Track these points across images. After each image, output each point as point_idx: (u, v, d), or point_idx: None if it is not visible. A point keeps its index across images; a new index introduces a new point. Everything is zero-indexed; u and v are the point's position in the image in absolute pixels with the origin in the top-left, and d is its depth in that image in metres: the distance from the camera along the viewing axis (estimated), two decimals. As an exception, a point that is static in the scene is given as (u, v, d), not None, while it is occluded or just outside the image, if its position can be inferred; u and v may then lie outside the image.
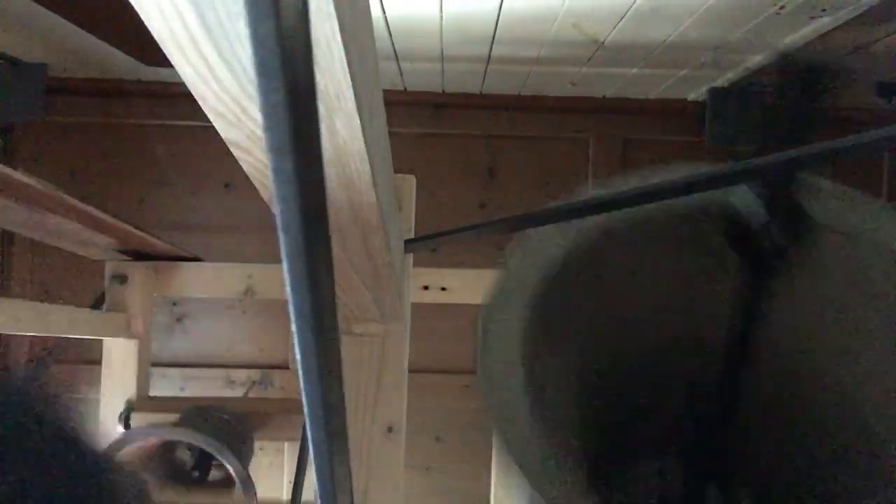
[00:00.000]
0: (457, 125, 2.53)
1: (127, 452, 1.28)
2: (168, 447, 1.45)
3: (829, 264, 0.69)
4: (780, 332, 0.73)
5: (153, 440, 1.36)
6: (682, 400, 0.78)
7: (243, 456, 1.35)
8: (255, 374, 2.51)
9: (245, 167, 0.37)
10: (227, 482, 1.38)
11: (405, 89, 2.47)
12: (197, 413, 1.41)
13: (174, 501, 1.34)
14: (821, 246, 0.68)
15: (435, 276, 1.58)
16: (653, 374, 0.77)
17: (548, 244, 0.69)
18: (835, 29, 1.74)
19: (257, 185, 0.39)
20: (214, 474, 1.45)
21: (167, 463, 1.45)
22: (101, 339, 1.47)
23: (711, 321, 0.74)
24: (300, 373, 0.23)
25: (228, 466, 1.27)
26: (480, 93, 2.50)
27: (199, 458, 1.45)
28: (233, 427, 1.41)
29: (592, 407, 0.59)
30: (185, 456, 1.48)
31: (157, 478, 1.37)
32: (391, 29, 1.86)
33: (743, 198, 0.65)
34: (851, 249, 0.68)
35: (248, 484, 1.28)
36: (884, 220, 0.68)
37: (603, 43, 1.93)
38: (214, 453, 1.28)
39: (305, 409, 0.24)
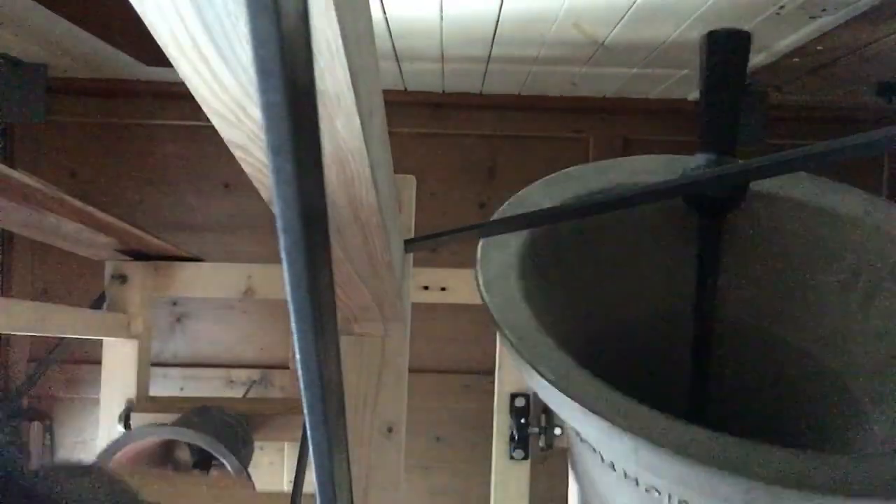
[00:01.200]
0: (457, 125, 2.53)
1: (126, 452, 1.28)
2: (168, 447, 1.45)
3: (785, 233, 0.76)
4: (744, 298, 0.78)
5: (153, 440, 1.36)
6: (664, 363, 0.80)
7: (243, 456, 1.35)
8: (255, 374, 2.51)
9: (245, 167, 0.37)
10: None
11: (405, 89, 2.47)
12: (197, 413, 1.41)
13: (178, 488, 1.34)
14: (778, 216, 0.76)
15: (435, 276, 1.58)
16: (636, 336, 0.80)
17: (539, 202, 0.74)
18: (835, 29, 1.74)
19: (257, 185, 0.39)
20: (214, 474, 1.45)
21: (167, 462, 1.45)
22: (101, 339, 1.47)
23: (682, 292, 0.77)
24: (300, 373, 0.23)
25: (227, 465, 1.27)
26: (480, 93, 2.50)
27: (199, 458, 1.45)
28: (233, 427, 1.41)
29: (579, 357, 0.61)
30: (185, 455, 1.48)
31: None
32: (391, 29, 1.86)
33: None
34: (806, 218, 0.75)
35: (247, 483, 1.29)
36: (829, 190, 0.76)
37: (603, 43, 1.93)
38: (214, 452, 1.28)
39: (305, 409, 0.24)
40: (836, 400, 0.70)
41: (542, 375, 0.55)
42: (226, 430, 1.37)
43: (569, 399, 0.52)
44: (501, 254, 0.69)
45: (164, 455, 1.43)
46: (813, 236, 0.75)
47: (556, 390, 0.53)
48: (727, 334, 0.78)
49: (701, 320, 0.76)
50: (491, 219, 0.72)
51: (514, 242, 0.70)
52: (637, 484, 0.56)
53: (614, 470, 0.58)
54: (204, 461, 1.45)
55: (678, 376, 0.77)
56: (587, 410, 0.51)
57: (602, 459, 0.59)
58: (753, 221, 0.78)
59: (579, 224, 0.76)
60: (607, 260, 0.79)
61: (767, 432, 0.57)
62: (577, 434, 0.62)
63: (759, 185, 0.76)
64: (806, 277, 0.75)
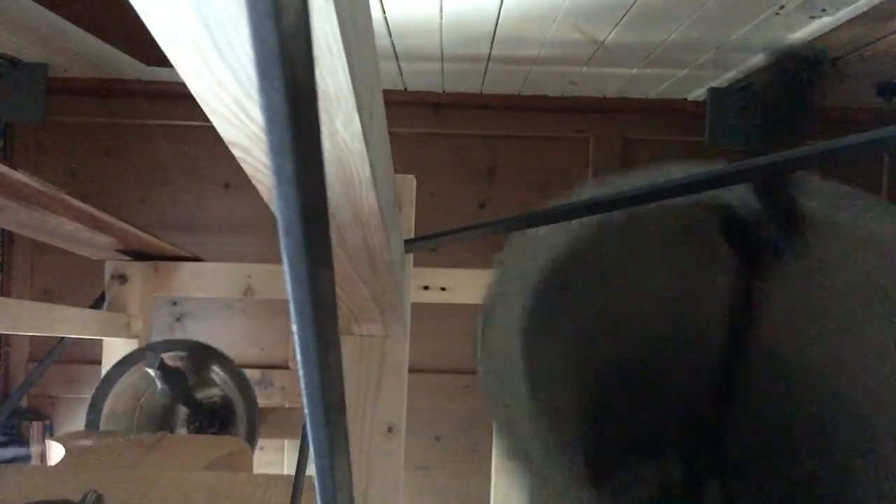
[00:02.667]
0: (457, 125, 2.53)
1: (121, 395, 1.28)
2: (166, 409, 1.45)
3: (821, 260, 0.70)
4: (774, 328, 0.74)
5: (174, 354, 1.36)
6: (679, 397, 0.78)
7: (253, 403, 1.36)
8: (255, 374, 2.51)
9: (245, 167, 0.37)
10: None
11: (405, 89, 2.47)
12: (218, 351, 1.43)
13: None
14: (814, 241, 0.69)
15: (435, 276, 1.58)
16: (650, 371, 0.78)
17: (547, 236, 0.70)
18: (835, 29, 1.74)
19: (257, 186, 0.39)
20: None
21: (162, 424, 1.45)
22: (101, 339, 1.47)
23: (708, 318, 0.74)
24: (300, 373, 0.23)
25: (238, 397, 1.27)
26: (480, 93, 2.50)
27: (195, 425, 1.46)
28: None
29: (590, 402, 0.60)
30: (182, 428, 1.48)
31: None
32: (391, 29, 1.86)
33: (739, 194, 0.65)
34: (844, 244, 0.69)
35: (254, 421, 1.29)
36: (877, 215, 0.69)
37: (603, 43, 1.93)
38: (234, 376, 1.27)
39: (305, 409, 0.24)
40: (855, 435, 0.67)
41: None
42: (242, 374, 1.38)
43: None
44: (504, 316, 0.66)
45: (164, 415, 1.43)
46: (855, 269, 0.68)
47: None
48: (754, 361, 0.74)
49: (731, 352, 0.72)
50: (493, 220, 0.72)
51: (517, 304, 0.67)
52: None
53: None
54: (202, 422, 1.46)
55: (698, 399, 0.75)
56: None
57: None
58: (798, 250, 0.70)
59: (590, 256, 0.72)
60: (621, 287, 0.76)
61: (786, 465, 0.55)
62: None
63: (809, 210, 0.67)
64: (848, 313, 0.69)
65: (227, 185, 2.49)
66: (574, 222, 0.70)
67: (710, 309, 0.73)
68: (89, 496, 0.72)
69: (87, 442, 1.11)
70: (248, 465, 1.19)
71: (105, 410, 1.30)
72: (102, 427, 1.30)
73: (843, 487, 0.68)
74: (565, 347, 0.70)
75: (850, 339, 0.70)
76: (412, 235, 0.83)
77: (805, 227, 0.67)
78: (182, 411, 1.46)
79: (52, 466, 1.16)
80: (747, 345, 0.72)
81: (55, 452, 1.12)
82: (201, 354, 1.39)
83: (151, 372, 1.29)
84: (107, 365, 1.47)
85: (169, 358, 1.35)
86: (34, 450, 2.35)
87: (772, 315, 0.73)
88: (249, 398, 1.34)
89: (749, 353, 0.72)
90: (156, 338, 2.34)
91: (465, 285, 1.57)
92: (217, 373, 1.42)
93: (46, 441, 2.25)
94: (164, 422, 1.43)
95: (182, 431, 1.47)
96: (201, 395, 1.47)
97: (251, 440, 1.35)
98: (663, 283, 0.76)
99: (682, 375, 0.78)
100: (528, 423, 0.57)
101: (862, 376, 0.69)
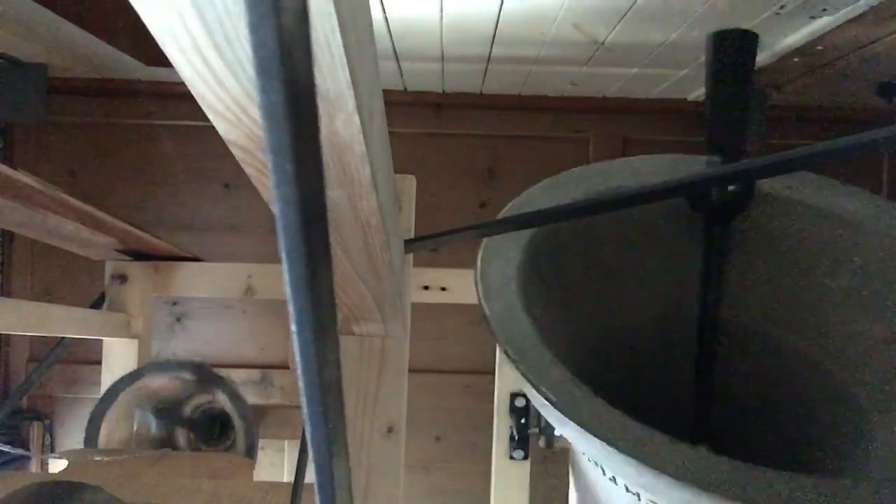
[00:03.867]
0: (457, 125, 2.53)
1: (116, 420, 1.28)
2: (168, 430, 1.45)
3: (792, 237, 0.75)
4: (750, 303, 0.77)
5: (163, 381, 1.36)
6: (667, 368, 0.79)
7: (251, 424, 1.35)
8: (255, 374, 2.51)
9: (245, 167, 0.37)
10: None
11: (405, 89, 2.47)
12: (207, 369, 1.42)
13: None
14: (784, 219, 0.75)
15: (435, 276, 1.58)
16: (639, 343, 0.79)
17: (542, 204, 0.73)
18: (835, 29, 1.74)
19: (257, 185, 0.39)
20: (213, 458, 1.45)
21: (161, 443, 1.45)
22: (101, 339, 1.47)
23: (687, 297, 0.76)
24: (300, 373, 0.23)
25: (236, 416, 1.27)
26: (480, 93, 2.50)
27: (193, 438, 1.45)
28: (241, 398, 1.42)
29: (583, 366, 0.61)
30: (183, 439, 1.48)
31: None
32: (391, 29, 1.86)
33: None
34: (813, 221, 0.73)
35: (254, 437, 1.28)
36: (837, 191, 0.74)
37: (603, 43, 1.93)
38: (228, 400, 1.27)
39: (305, 409, 0.24)
40: (843, 409, 0.69)
41: (545, 396, 0.54)
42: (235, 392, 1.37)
43: (570, 421, 0.52)
44: (501, 263, 0.69)
45: (162, 440, 1.43)
46: (820, 240, 0.73)
47: (558, 412, 0.53)
48: (733, 337, 0.77)
49: (706, 324, 0.75)
50: (494, 220, 0.72)
51: (514, 251, 0.70)
52: (639, 499, 0.56)
53: (616, 483, 0.58)
54: (200, 442, 1.45)
55: (685, 379, 0.77)
56: (588, 434, 0.51)
57: (604, 473, 0.59)
58: (760, 224, 0.77)
59: (581, 230, 0.76)
60: (610, 266, 0.78)
61: (772, 440, 0.57)
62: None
63: (766, 188, 0.75)
64: (813, 283, 0.74)
65: (227, 185, 2.49)
66: (564, 195, 0.74)
67: (693, 287, 0.76)
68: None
69: (90, 457, 1.12)
70: (249, 478, 1.20)
71: (103, 426, 1.30)
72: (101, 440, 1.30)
73: (831, 458, 0.70)
74: (559, 305, 0.72)
75: (826, 313, 0.72)
76: (412, 235, 0.83)
77: (753, 190, 0.74)
78: (181, 430, 1.47)
79: (53, 474, 1.16)
80: (722, 318, 0.75)
81: (59, 465, 1.12)
82: (201, 377, 1.38)
83: (145, 416, 1.30)
84: (107, 365, 1.47)
85: (168, 378, 1.34)
86: (34, 450, 2.35)
87: (743, 291, 0.76)
88: (248, 422, 1.34)
89: (725, 327, 0.75)
90: (156, 337, 2.34)
91: (465, 285, 1.57)
92: (216, 393, 1.42)
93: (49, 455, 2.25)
94: (163, 441, 1.43)
95: (181, 440, 1.47)
96: (200, 400, 1.47)
97: (250, 458, 1.34)
98: (652, 262, 0.79)
99: (668, 349, 0.79)
100: (539, 354, 0.59)
101: (840, 346, 0.71)
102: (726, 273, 0.75)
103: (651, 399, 0.56)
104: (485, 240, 0.71)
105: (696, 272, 0.76)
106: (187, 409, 1.44)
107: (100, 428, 1.27)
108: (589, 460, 0.60)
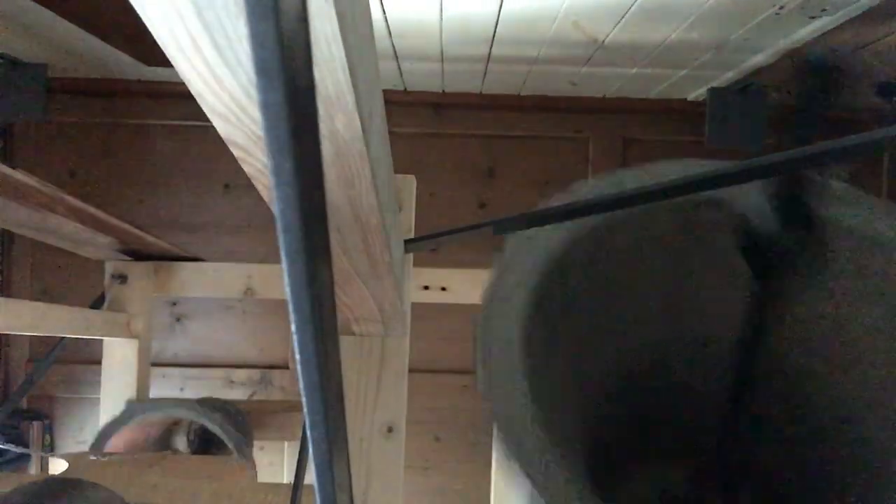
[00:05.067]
0: (457, 125, 2.53)
1: (122, 439, 1.28)
2: (164, 437, 1.45)
3: (836, 267, 0.67)
4: (787, 338, 0.71)
5: (152, 427, 1.36)
6: (685, 404, 0.77)
7: (245, 444, 1.35)
8: (255, 374, 2.51)
9: (245, 167, 0.37)
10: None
11: (405, 89, 2.47)
12: (201, 401, 1.42)
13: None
14: (828, 248, 0.66)
15: (435, 276, 1.58)
16: (655, 376, 0.76)
17: (549, 231, 0.68)
18: (835, 29, 1.74)
19: (257, 185, 0.39)
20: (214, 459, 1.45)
21: (166, 450, 1.45)
22: (101, 339, 1.47)
23: (716, 322, 0.72)
24: (300, 373, 0.23)
25: (229, 443, 1.27)
26: (480, 93, 2.50)
27: (197, 447, 1.45)
28: (234, 417, 1.41)
29: (592, 409, 0.59)
30: (182, 444, 1.48)
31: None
32: (391, 29, 1.86)
33: (751, 200, 0.63)
34: (858, 251, 0.66)
35: (250, 464, 1.28)
36: (879, 215, 0.66)
37: (603, 43, 1.93)
38: (218, 432, 1.28)
39: (305, 409, 0.24)
40: (865, 451, 0.65)
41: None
42: (227, 419, 1.37)
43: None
44: (503, 318, 0.64)
45: (161, 443, 1.44)
46: (862, 269, 0.66)
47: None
48: (772, 373, 0.71)
49: (745, 358, 0.70)
50: (493, 219, 0.72)
51: (517, 301, 0.65)
52: None
53: None
54: (202, 450, 1.45)
55: (708, 410, 0.73)
56: None
57: None
58: (805, 251, 0.67)
59: (593, 264, 0.71)
60: (628, 299, 0.74)
61: (794, 474, 0.54)
62: None
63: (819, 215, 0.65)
64: (856, 319, 0.66)
65: (227, 185, 2.49)
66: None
67: (720, 314, 0.71)
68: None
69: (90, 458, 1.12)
70: (249, 480, 1.20)
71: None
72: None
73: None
74: (567, 349, 0.69)
75: (865, 353, 0.67)
76: (412, 235, 0.83)
77: (820, 236, 0.64)
78: (181, 441, 1.47)
79: (53, 474, 1.16)
80: (758, 355, 0.70)
81: (59, 467, 1.12)
82: (193, 412, 1.38)
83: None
84: (107, 365, 1.47)
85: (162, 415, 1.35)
86: (34, 450, 2.35)
87: (783, 324, 0.70)
88: (241, 449, 1.34)
89: (759, 363, 0.70)
90: (156, 337, 2.34)
91: (465, 285, 1.57)
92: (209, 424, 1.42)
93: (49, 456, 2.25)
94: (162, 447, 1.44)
95: (181, 448, 1.47)
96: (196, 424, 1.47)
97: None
98: (670, 285, 0.74)
99: (687, 383, 0.76)
100: (529, 426, 0.56)
101: (874, 393, 0.66)
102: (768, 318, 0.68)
103: (676, 425, 0.53)
104: (489, 282, 0.67)
105: (719, 297, 0.69)
106: (185, 423, 1.45)
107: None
108: None
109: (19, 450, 2.14)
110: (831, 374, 0.69)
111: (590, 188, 0.73)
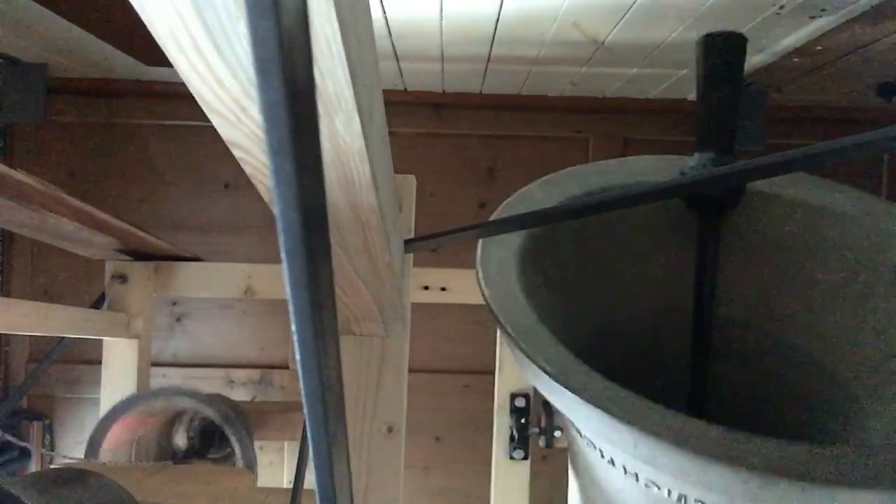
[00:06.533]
0: (457, 125, 2.53)
1: (119, 434, 1.28)
2: (164, 431, 1.45)
3: (784, 233, 0.77)
4: (745, 298, 0.79)
5: (152, 419, 1.36)
6: (661, 361, 0.80)
7: (247, 438, 1.35)
8: (255, 374, 2.51)
9: (245, 167, 0.37)
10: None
11: (405, 89, 2.47)
12: (203, 394, 1.42)
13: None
14: (778, 216, 0.77)
15: (435, 276, 1.58)
16: (636, 335, 0.80)
17: (538, 201, 0.76)
18: (835, 29, 1.75)
19: (257, 186, 0.39)
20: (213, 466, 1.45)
21: (161, 451, 1.45)
22: (101, 339, 1.47)
23: (686, 289, 0.77)
24: (300, 373, 0.23)
25: (232, 437, 1.27)
26: (480, 93, 2.50)
27: (196, 445, 1.45)
28: (235, 410, 1.41)
29: (573, 342, 0.61)
30: (182, 442, 1.48)
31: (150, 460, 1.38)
32: (391, 29, 1.86)
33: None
34: (804, 217, 0.76)
35: (251, 458, 1.28)
36: (833, 190, 0.77)
37: (603, 43, 1.93)
38: (220, 422, 1.27)
39: (305, 409, 0.24)
40: (836, 399, 0.71)
41: (542, 368, 0.55)
42: (231, 412, 1.37)
43: (568, 392, 0.52)
44: (502, 251, 0.69)
45: (161, 439, 1.43)
46: (812, 235, 0.76)
47: (556, 383, 0.53)
48: (728, 332, 0.78)
49: (700, 318, 0.76)
50: (490, 218, 0.72)
51: (514, 240, 0.71)
52: (637, 479, 0.56)
53: (614, 466, 0.58)
54: (201, 449, 1.45)
55: (679, 373, 0.77)
56: (586, 403, 0.51)
57: (602, 455, 0.59)
58: (753, 221, 0.78)
59: (578, 224, 0.77)
60: (607, 259, 0.79)
61: (767, 431, 0.57)
62: (577, 431, 0.62)
63: (758, 185, 0.77)
64: (805, 276, 0.76)
65: (227, 185, 2.49)
66: (560, 194, 0.75)
67: (686, 282, 0.77)
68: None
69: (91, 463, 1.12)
70: (249, 484, 1.20)
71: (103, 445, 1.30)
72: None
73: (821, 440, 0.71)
74: (557, 294, 0.73)
75: (818, 306, 0.75)
76: (412, 235, 0.83)
77: (754, 194, 0.77)
78: (181, 438, 1.47)
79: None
80: (712, 312, 0.76)
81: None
82: (197, 402, 1.38)
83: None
84: (107, 365, 1.47)
85: (165, 401, 1.34)
86: (34, 449, 2.35)
87: (737, 287, 0.79)
88: (245, 445, 1.33)
89: (716, 320, 0.76)
90: (156, 337, 2.34)
91: (465, 285, 1.57)
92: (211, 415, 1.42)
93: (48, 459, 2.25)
94: (162, 447, 1.43)
95: (181, 443, 1.47)
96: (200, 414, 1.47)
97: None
98: (648, 259, 0.80)
99: (665, 346, 0.80)
100: (538, 333, 0.60)
101: (832, 337, 0.73)
102: (721, 269, 0.76)
103: (647, 389, 0.57)
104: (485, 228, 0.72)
105: (691, 267, 0.77)
106: (185, 419, 1.44)
107: (99, 449, 1.27)
108: (587, 444, 0.61)
109: (20, 444, 2.14)
110: (790, 334, 0.77)
111: (574, 173, 0.80)
